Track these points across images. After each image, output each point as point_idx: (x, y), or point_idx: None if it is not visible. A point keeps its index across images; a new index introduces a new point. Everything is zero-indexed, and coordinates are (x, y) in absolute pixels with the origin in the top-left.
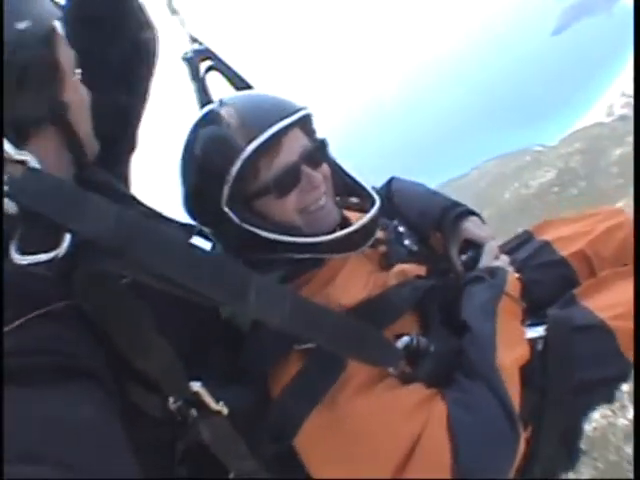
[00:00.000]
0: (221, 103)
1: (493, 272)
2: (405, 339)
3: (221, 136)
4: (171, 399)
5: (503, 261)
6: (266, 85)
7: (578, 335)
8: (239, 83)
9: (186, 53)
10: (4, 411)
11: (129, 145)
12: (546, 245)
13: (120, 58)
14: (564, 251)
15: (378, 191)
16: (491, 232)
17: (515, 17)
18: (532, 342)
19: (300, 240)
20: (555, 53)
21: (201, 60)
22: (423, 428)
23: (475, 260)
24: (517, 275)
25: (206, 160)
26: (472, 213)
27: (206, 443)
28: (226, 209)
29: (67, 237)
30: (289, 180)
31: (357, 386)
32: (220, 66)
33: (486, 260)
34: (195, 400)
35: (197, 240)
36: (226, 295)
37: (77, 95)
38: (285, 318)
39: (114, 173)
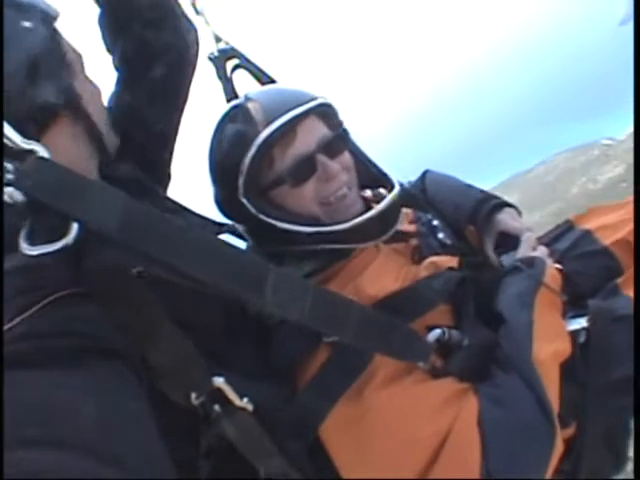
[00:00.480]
0: (243, 97)
1: (531, 262)
2: (436, 332)
3: (237, 127)
4: (193, 395)
5: (541, 252)
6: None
7: (620, 325)
8: (266, 80)
9: (212, 53)
10: (21, 394)
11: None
12: (587, 234)
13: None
14: (606, 240)
15: (413, 184)
16: (526, 224)
17: (582, 6)
18: (574, 335)
19: (313, 229)
20: (623, 44)
21: (227, 59)
22: (452, 424)
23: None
24: (557, 266)
25: (223, 152)
26: (508, 205)
27: (231, 440)
28: (243, 200)
29: (75, 227)
30: (304, 169)
31: (384, 379)
32: (246, 64)
33: (523, 251)
34: (218, 396)
35: (230, 238)
36: (241, 288)
37: (88, 87)
38: (305, 313)
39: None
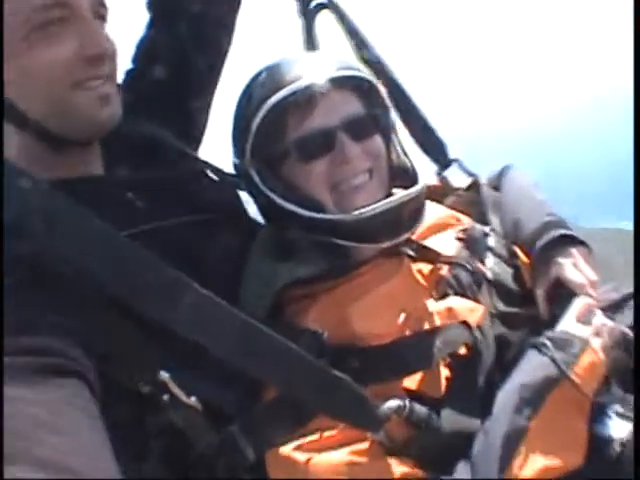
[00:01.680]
0: (277, 60)
1: (565, 342)
2: (393, 403)
3: (257, 87)
4: (140, 383)
5: (593, 326)
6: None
7: None
8: (350, 27)
9: None
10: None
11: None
12: None
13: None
14: None
15: (489, 177)
16: (593, 276)
17: None
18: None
19: (309, 214)
20: None
21: None
22: None
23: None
24: (619, 333)
25: (238, 110)
26: (576, 241)
27: (179, 427)
28: (250, 168)
29: None
30: (318, 145)
31: (325, 444)
32: (332, 6)
33: (568, 319)
34: (165, 389)
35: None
36: (152, 304)
37: (21, 71)
38: (220, 344)
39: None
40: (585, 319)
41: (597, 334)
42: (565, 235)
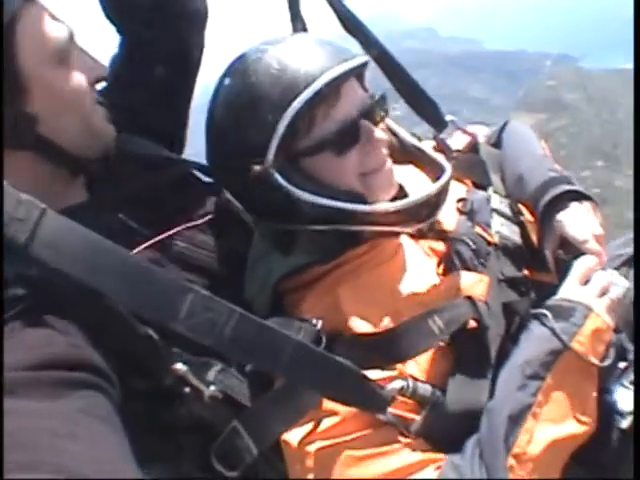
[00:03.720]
0: (270, 44)
1: (566, 310)
2: (397, 383)
3: (273, 79)
4: (158, 379)
5: (596, 287)
6: None
7: None
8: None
9: None
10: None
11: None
12: None
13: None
14: None
15: (489, 136)
16: (598, 230)
17: None
18: (615, 411)
19: (349, 207)
20: None
21: None
22: None
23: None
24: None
25: (252, 106)
26: (581, 196)
27: (203, 417)
28: (271, 169)
29: None
30: (349, 136)
31: (332, 431)
32: None
33: (569, 283)
34: (184, 381)
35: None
36: (151, 308)
37: (52, 97)
38: (224, 340)
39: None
40: (586, 279)
41: (602, 294)
42: (569, 191)
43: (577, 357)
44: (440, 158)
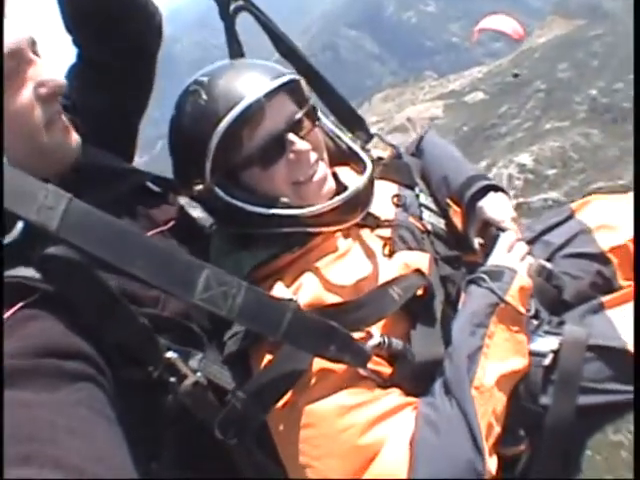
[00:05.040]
0: (208, 72)
1: (497, 273)
2: (374, 339)
3: (202, 105)
4: (151, 368)
5: (517, 254)
6: None
7: (593, 355)
8: (269, 27)
9: None
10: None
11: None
12: (585, 232)
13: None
14: (605, 243)
15: (408, 146)
16: (512, 213)
17: None
18: (538, 354)
19: (283, 212)
20: None
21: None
22: (385, 441)
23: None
24: (544, 263)
25: (187, 134)
26: (497, 189)
27: (188, 407)
28: (211, 184)
29: (19, 224)
30: (274, 150)
31: (322, 388)
32: (250, 7)
33: (497, 253)
34: (173, 369)
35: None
36: (172, 284)
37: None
38: (234, 310)
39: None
40: (510, 248)
41: (522, 260)
42: (488, 185)
43: (510, 308)
44: (364, 155)
